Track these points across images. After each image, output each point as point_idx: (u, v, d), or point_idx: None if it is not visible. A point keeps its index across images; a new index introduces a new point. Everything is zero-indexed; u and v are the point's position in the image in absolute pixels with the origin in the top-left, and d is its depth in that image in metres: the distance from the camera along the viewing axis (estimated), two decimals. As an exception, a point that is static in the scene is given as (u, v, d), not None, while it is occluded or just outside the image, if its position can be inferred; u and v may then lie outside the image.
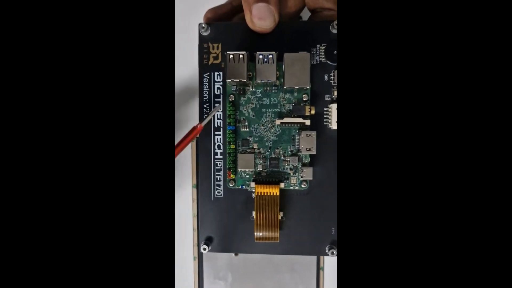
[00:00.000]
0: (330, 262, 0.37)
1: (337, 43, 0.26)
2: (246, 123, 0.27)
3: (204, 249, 0.28)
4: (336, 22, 0.26)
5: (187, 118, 0.36)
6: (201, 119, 0.27)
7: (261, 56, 0.25)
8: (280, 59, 0.26)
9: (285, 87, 0.26)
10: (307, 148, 0.26)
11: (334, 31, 0.26)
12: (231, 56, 0.25)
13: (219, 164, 0.28)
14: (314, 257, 0.35)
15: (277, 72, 0.26)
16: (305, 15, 0.29)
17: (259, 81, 0.26)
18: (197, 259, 0.36)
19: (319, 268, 0.36)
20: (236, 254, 0.35)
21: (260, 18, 0.25)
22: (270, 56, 0.25)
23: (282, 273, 0.36)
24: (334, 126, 0.26)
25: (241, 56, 0.25)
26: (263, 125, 0.27)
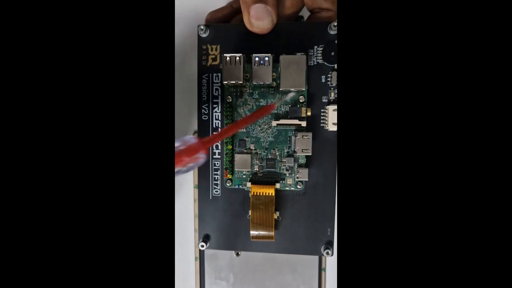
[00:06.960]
0: (332, 263, 0.36)
1: (337, 43, 0.26)
2: (243, 124, 0.27)
3: (202, 246, 0.28)
4: (334, 23, 0.26)
5: (186, 118, 0.36)
6: (200, 119, 0.28)
7: (257, 59, 0.25)
8: (276, 60, 0.26)
9: (280, 89, 0.26)
10: (302, 149, 0.26)
11: (332, 32, 0.26)
12: (228, 58, 0.25)
13: (217, 163, 0.28)
14: (316, 258, 0.35)
15: (274, 74, 0.26)
16: (307, 15, 0.29)
17: (255, 83, 0.26)
18: (198, 259, 0.37)
19: (321, 269, 0.36)
20: (237, 254, 0.35)
21: (258, 19, 0.25)
22: (266, 59, 0.25)
23: (284, 273, 0.36)
24: (330, 127, 0.26)
25: (237, 58, 0.25)
26: (259, 126, 0.27)
